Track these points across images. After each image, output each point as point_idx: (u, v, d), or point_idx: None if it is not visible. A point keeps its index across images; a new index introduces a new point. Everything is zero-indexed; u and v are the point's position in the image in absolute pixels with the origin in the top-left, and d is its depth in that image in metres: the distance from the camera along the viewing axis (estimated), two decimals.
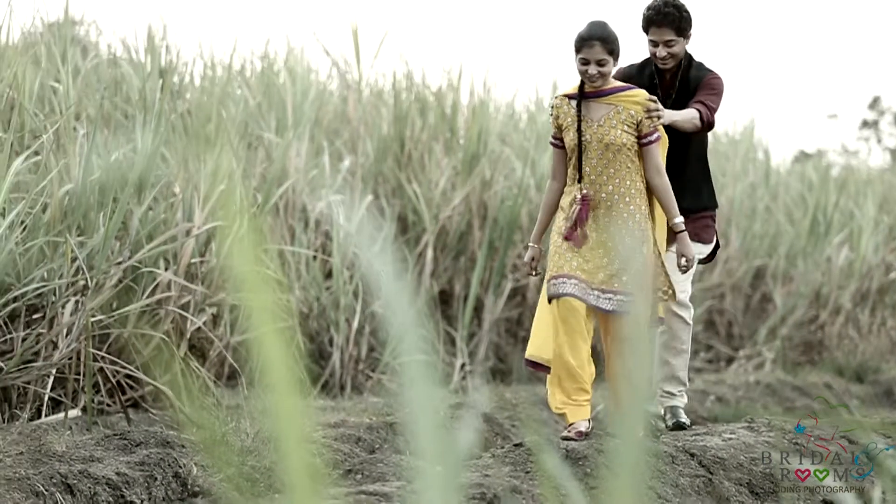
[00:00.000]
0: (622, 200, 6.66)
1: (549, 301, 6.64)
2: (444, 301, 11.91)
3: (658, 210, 6.82)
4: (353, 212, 10.96)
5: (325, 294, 10.68)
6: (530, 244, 7.00)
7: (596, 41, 6.58)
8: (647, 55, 7.12)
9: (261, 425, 7.12)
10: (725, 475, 6.51)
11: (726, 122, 17.27)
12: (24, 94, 8.39)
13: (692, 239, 7.00)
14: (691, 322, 7.18)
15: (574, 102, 6.77)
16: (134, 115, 9.38)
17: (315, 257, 10.78)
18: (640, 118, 6.67)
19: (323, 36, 17.93)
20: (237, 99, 11.60)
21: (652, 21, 6.95)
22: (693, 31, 7.00)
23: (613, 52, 6.62)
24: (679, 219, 6.76)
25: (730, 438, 6.91)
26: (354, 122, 12.24)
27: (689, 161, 7.02)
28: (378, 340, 10.77)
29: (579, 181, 6.81)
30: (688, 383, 7.35)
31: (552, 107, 6.89)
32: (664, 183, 6.73)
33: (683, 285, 7.08)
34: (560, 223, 6.78)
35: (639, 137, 6.70)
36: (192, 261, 8.90)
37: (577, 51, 6.64)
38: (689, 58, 7.04)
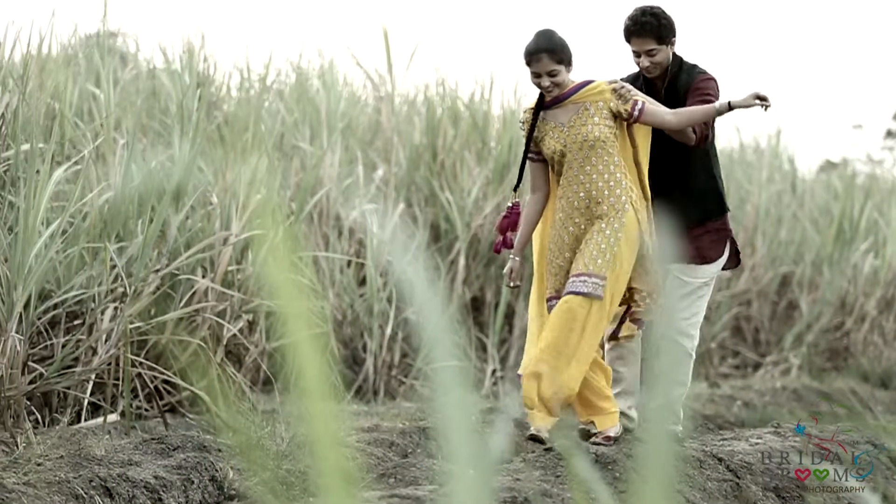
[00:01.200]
0: (607, 187, 6.52)
1: None
2: (476, 308, 11.93)
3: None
4: (387, 220, 10.99)
5: (359, 301, 10.74)
6: (511, 255, 6.86)
7: (542, 53, 6.50)
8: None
9: (295, 430, 7.14)
10: (752, 479, 6.52)
11: (752, 131, 17.28)
12: (65, 104, 8.49)
13: (694, 261, 6.85)
14: (693, 353, 6.89)
15: (542, 113, 6.70)
16: (172, 125, 9.47)
17: (349, 264, 10.87)
18: (611, 105, 6.56)
19: (355, 47, 17.97)
20: (272, 111, 11.70)
21: (631, 32, 6.78)
22: (676, 36, 6.80)
23: (562, 60, 6.52)
24: (719, 102, 6.59)
25: (756, 443, 6.92)
26: (387, 132, 12.24)
27: (692, 167, 6.85)
28: (411, 346, 10.80)
29: (515, 189, 6.87)
30: (682, 417, 7.01)
31: (522, 122, 6.80)
32: (682, 116, 6.56)
33: (688, 312, 6.87)
34: (553, 237, 6.70)
35: (628, 119, 6.58)
36: (229, 268, 8.93)
37: (527, 65, 6.56)
38: (678, 62, 6.84)
